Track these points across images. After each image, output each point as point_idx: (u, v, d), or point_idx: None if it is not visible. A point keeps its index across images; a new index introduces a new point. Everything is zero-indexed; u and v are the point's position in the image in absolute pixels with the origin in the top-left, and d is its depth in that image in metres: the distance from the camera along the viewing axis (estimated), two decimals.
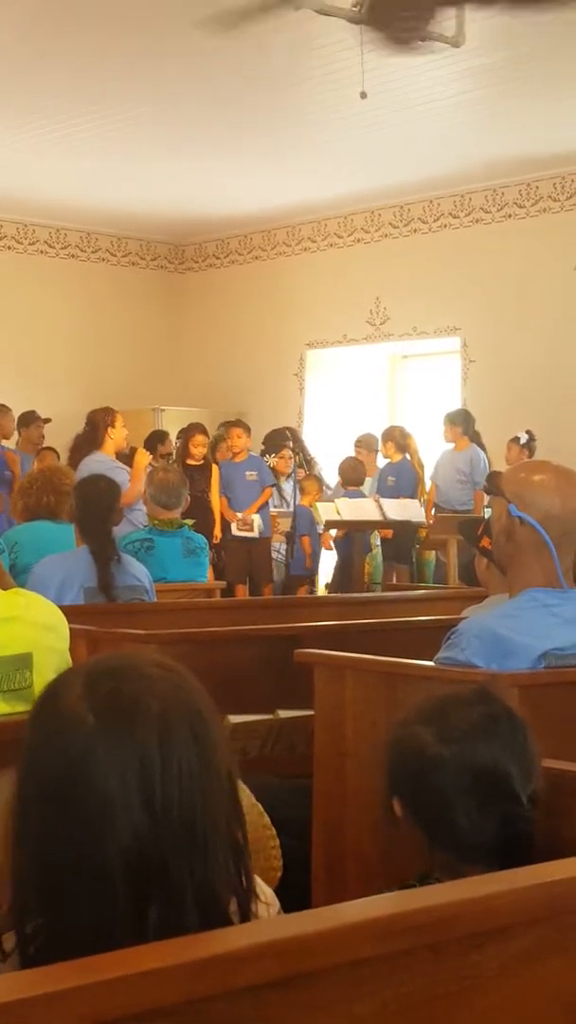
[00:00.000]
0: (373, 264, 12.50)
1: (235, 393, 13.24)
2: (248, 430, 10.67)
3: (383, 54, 7.56)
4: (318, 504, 10.22)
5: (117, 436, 7.77)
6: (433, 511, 10.31)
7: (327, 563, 10.81)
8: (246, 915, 1.45)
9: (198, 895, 1.39)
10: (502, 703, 2.08)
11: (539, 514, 2.87)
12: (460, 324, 11.87)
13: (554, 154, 10.58)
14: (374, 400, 12.99)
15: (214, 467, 10.65)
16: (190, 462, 10.43)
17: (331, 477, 11.33)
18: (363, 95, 7.54)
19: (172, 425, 11.82)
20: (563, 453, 6.67)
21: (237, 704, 3.50)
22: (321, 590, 10.61)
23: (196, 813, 1.40)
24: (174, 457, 10.81)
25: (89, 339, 13.33)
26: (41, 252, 13.35)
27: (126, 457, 8.16)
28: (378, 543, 10.33)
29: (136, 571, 4.95)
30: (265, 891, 1.58)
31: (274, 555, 10.54)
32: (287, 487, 10.81)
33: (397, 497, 10.15)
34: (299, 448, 11.11)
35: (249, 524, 10.20)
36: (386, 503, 9.81)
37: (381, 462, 10.99)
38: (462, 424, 10.50)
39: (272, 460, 10.83)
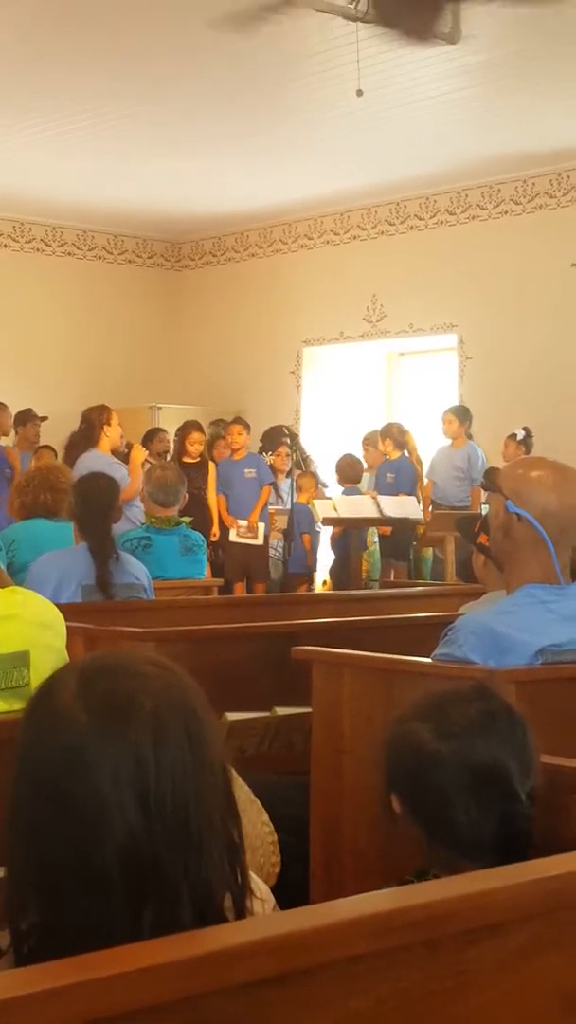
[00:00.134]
0: (370, 261, 12.49)
1: (232, 391, 13.24)
2: (247, 427, 10.65)
3: (381, 50, 7.56)
4: (315, 501, 10.22)
5: (112, 434, 7.78)
6: (430, 508, 10.31)
7: (324, 561, 10.81)
8: (241, 912, 1.45)
9: (193, 892, 1.39)
10: (500, 699, 2.08)
11: (537, 510, 2.87)
12: (457, 321, 11.87)
13: (551, 150, 10.58)
14: (371, 397, 12.98)
15: (211, 464, 10.65)
16: (186, 460, 10.41)
17: (327, 474, 11.33)
18: (359, 93, 7.54)
19: (169, 423, 11.81)
20: (560, 449, 6.65)
21: (235, 701, 3.50)
22: (319, 587, 10.61)
23: (190, 811, 1.40)
24: (171, 454, 10.80)
25: (86, 337, 13.32)
26: (37, 250, 13.34)
27: (123, 454, 8.17)
28: (375, 540, 10.33)
29: (135, 569, 4.94)
30: (260, 887, 1.58)
31: (272, 553, 10.53)
32: (284, 485, 10.81)
33: (396, 494, 10.15)
34: (296, 446, 11.11)
35: (254, 531, 10.19)
36: (383, 500, 9.81)
37: None
38: (466, 420, 10.51)
39: (269, 458, 10.82)
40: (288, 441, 10.94)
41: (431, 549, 10.26)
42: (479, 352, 11.68)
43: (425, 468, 10.72)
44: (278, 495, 10.75)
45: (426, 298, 11.98)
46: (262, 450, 10.95)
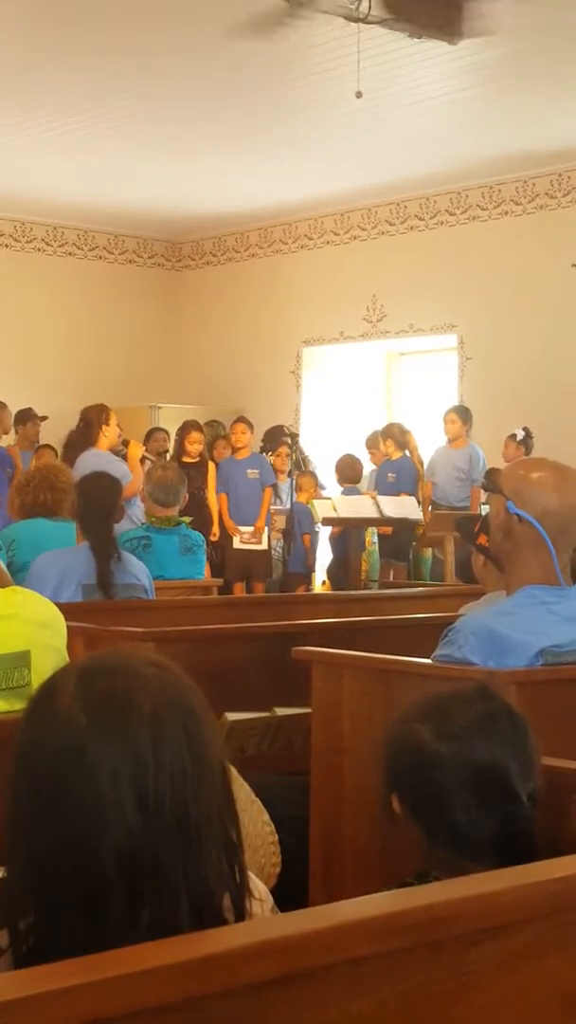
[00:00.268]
0: (370, 261, 12.49)
1: (232, 390, 13.23)
2: (251, 427, 10.63)
3: (382, 50, 7.57)
4: (315, 501, 10.22)
5: (110, 434, 7.77)
6: (430, 508, 10.30)
7: (322, 561, 10.81)
8: (240, 911, 1.45)
9: (191, 892, 1.39)
10: (501, 700, 2.07)
11: (537, 511, 2.87)
12: (457, 321, 11.87)
13: (551, 151, 10.58)
14: (371, 397, 12.99)
15: (210, 464, 10.64)
16: (186, 459, 10.39)
17: (327, 474, 11.32)
18: (358, 94, 7.55)
19: (169, 423, 11.80)
20: (560, 450, 6.66)
21: (234, 701, 3.50)
22: (318, 587, 10.61)
23: (189, 811, 1.40)
24: (171, 454, 10.79)
25: (86, 337, 13.32)
26: (38, 250, 13.34)
27: (120, 453, 8.16)
28: (374, 540, 10.32)
29: (136, 570, 4.93)
30: (258, 887, 1.59)
31: (272, 553, 10.52)
32: (283, 485, 10.81)
33: (398, 494, 10.15)
34: (295, 446, 11.11)
35: (258, 537, 10.18)
36: (383, 500, 9.81)
37: None
38: (467, 420, 10.52)
39: (270, 458, 10.82)
40: (289, 441, 10.94)
41: (431, 549, 10.26)
42: (479, 352, 11.68)
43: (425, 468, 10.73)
44: (277, 495, 10.75)
45: (426, 298, 11.98)
46: (263, 450, 10.94)
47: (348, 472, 10.72)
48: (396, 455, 10.62)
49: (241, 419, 10.79)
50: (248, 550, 10.20)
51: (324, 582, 10.77)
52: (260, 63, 8.36)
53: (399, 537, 10.11)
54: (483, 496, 9.86)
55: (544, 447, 9.63)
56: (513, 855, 1.85)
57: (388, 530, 10.08)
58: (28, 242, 13.27)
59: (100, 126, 9.86)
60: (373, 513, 9.66)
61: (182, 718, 1.43)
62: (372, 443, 11.18)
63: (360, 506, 9.78)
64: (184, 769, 1.41)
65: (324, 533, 10.53)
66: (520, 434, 10.20)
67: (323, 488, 11.15)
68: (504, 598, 2.96)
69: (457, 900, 1.37)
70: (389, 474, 10.56)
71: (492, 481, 3.76)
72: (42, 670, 2.61)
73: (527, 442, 10.14)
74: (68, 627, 2.90)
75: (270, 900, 1.63)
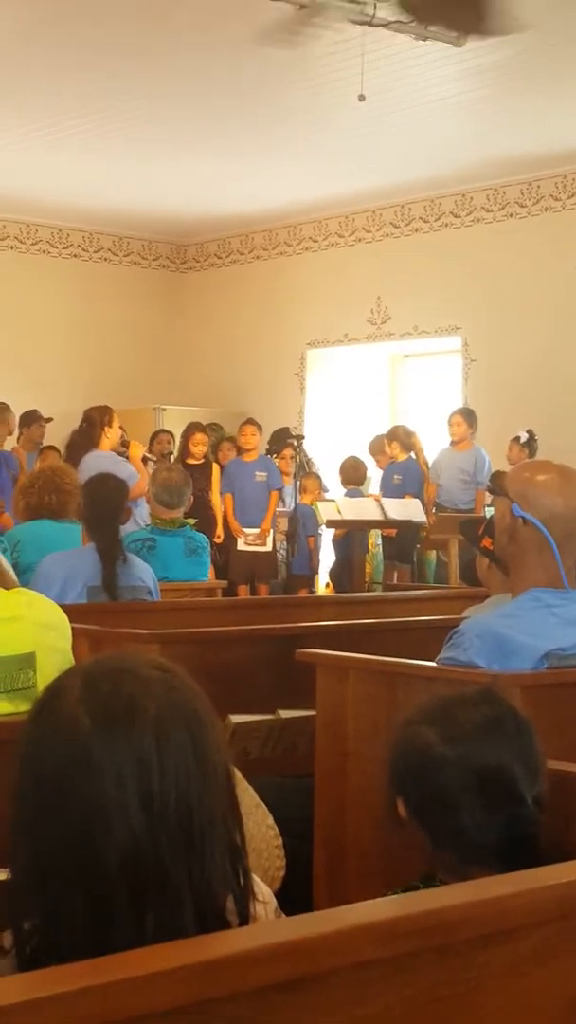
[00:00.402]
0: (374, 263, 12.50)
1: (236, 392, 13.24)
2: (260, 428, 10.60)
3: (386, 53, 7.57)
4: (319, 503, 10.21)
5: (113, 435, 7.78)
6: (434, 510, 10.30)
7: (325, 563, 10.80)
8: (244, 914, 1.45)
9: (195, 894, 1.39)
10: (507, 704, 2.07)
11: (542, 514, 2.87)
12: (461, 323, 11.87)
13: (555, 153, 10.58)
14: (375, 399, 12.99)
15: (215, 466, 10.63)
16: (190, 461, 10.39)
17: (331, 477, 11.32)
18: (361, 98, 7.56)
19: (173, 424, 11.81)
20: (564, 452, 6.67)
21: (238, 704, 3.50)
22: (321, 590, 10.61)
23: (193, 814, 1.40)
24: (175, 455, 10.79)
25: (91, 339, 13.33)
26: (44, 252, 13.35)
27: (122, 454, 8.17)
28: (378, 543, 10.32)
29: (141, 572, 4.93)
30: (262, 889, 1.59)
31: (276, 554, 10.52)
32: (287, 487, 10.80)
33: (403, 495, 10.14)
34: (299, 448, 11.11)
35: (263, 539, 10.17)
36: (387, 502, 9.80)
37: None
38: (473, 422, 10.51)
39: (275, 460, 10.81)
40: (295, 443, 10.93)
41: (435, 552, 10.26)
42: (483, 354, 11.68)
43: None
44: (280, 497, 10.75)
45: (430, 300, 11.98)
46: (268, 452, 10.94)
47: (352, 474, 10.72)
48: (402, 457, 10.62)
49: (250, 421, 10.73)
50: (252, 552, 10.19)
51: (327, 584, 10.76)
52: (265, 65, 8.37)
53: (403, 539, 10.11)
54: (488, 499, 9.85)
55: (548, 449, 9.64)
56: (518, 859, 1.85)
57: (392, 532, 10.07)
58: (33, 244, 13.28)
59: (105, 128, 9.87)
60: (377, 515, 9.65)
61: (186, 721, 1.44)
62: (375, 448, 11.18)
63: (364, 508, 9.77)
64: (188, 772, 1.41)
65: (328, 535, 10.52)
66: (524, 436, 10.20)
67: (327, 490, 11.14)
68: (509, 601, 2.96)
69: (465, 904, 1.37)
70: (395, 476, 10.55)
71: (497, 484, 3.76)
72: (47, 672, 2.62)
73: (531, 444, 10.14)
74: (73, 629, 2.90)
75: (274, 902, 1.63)
